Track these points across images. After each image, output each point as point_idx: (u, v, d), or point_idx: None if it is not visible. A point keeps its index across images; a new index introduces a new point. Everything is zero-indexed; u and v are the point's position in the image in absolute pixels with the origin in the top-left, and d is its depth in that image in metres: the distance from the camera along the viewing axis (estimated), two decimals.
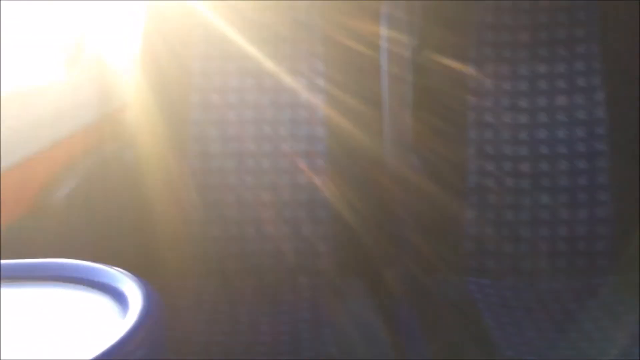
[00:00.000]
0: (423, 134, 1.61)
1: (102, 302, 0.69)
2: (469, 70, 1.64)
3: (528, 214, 1.60)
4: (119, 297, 0.69)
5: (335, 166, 1.63)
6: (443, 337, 1.41)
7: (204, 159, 1.63)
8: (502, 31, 1.65)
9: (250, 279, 1.57)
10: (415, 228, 1.56)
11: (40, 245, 1.22)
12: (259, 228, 1.61)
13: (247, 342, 1.32)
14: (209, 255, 1.57)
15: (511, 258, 1.59)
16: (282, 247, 1.58)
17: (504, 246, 1.59)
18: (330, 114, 1.65)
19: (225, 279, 1.55)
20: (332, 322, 1.39)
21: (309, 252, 1.60)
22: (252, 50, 1.70)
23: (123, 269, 0.73)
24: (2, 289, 0.72)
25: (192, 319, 1.40)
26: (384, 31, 1.61)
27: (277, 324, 1.38)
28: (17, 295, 0.72)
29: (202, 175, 1.62)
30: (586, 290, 1.55)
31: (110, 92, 1.76)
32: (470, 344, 1.37)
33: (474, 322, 1.44)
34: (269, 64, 1.69)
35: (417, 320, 1.47)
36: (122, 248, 1.41)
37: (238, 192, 1.62)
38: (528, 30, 1.65)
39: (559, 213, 1.60)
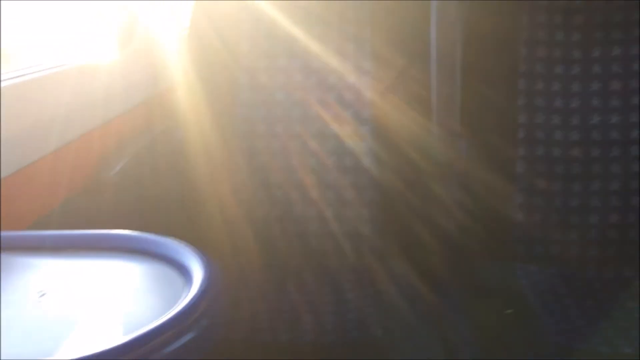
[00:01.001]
0: (472, 118, 1.58)
1: (166, 273, 0.71)
2: (520, 53, 1.60)
3: (578, 201, 1.57)
4: (182, 269, 0.70)
5: (381, 148, 1.62)
6: (488, 322, 1.40)
7: (251, 139, 1.64)
8: (555, 13, 1.61)
9: (295, 245, 1.58)
10: (462, 212, 1.54)
11: (93, 221, 1.24)
12: (305, 209, 1.61)
13: (292, 307, 1.33)
14: (256, 232, 1.58)
15: (560, 245, 1.56)
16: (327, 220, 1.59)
17: (552, 233, 1.57)
18: (376, 96, 1.64)
19: (272, 249, 1.57)
20: (376, 287, 1.39)
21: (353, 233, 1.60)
22: (299, 32, 1.70)
23: None
24: (70, 259, 0.74)
25: (238, 287, 1.41)
26: (433, 13, 1.59)
27: (322, 288, 1.39)
28: (83, 265, 0.74)
29: (248, 155, 1.63)
30: (636, 279, 1.52)
31: (160, 73, 1.79)
32: (517, 330, 1.36)
33: (521, 308, 1.42)
34: (315, 46, 1.69)
35: (461, 306, 1.46)
36: (170, 223, 1.43)
37: (284, 173, 1.63)
38: (582, 13, 1.61)
39: (610, 200, 1.56)
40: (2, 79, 1.08)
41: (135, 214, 1.38)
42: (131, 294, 0.69)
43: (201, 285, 0.65)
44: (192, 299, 0.63)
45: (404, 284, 1.46)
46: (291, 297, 1.39)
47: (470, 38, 1.60)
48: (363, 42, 1.67)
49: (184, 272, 0.70)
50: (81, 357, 0.56)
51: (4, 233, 0.79)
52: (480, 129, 1.58)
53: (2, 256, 0.74)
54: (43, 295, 0.67)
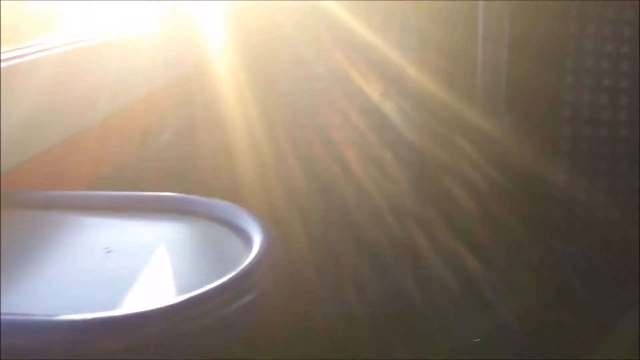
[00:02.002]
0: (516, 95, 1.56)
1: (225, 235, 0.72)
2: (569, 30, 1.57)
3: (623, 182, 1.55)
4: (241, 232, 0.72)
5: (424, 124, 1.61)
6: (529, 302, 1.40)
7: (293, 113, 1.65)
8: None
9: (334, 218, 1.59)
10: (504, 190, 1.53)
11: (141, 188, 1.27)
12: (346, 183, 1.62)
13: (333, 279, 1.34)
14: (297, 205, 1.60)
15: (602, 226, 1.54)
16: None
17: (595, 214, 1.55)
18: (420, 71, 1.63)
19: (312, 222, 1.58)
20: (418, 261, 1.40)
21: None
22: (342, 7, 1.69)
23: None
24: (133, 219, 0.76)
25: None
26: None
27: (362, 261, 1.40)
28: (145, 224, 0.76)
29: (290, 129, 1.64)
30: None
31: (202, 47, 1.80)
32: (558, 310, 1.35)
33: (562, 289, 1.41)
34: (359, 21, 1.68)
35: (501, 286, 1.46)
36: (212, 192, 1.45)
37: (326, 147, 1.63)
38: None
39: None
40: (58, 45, 1.11)
41: (178, 181, 1.40)
42: (191, 254, 0.70)
43: (261, 248, 0.66)
44: (252, 261, 0.64)
45: (446, 258, 1.46)
46: (332, 270, 1.41)
47: (519, 14, 1.57)
48: (407, 16, 1.65)
49: (243, 236, 0.71)
50: (144, 311, 0.57)
51: (70, 192, 0.82)
52: (525, 106, 1.56)
53: (70, 214, 0.76)
54: (109, 252, 0.69)
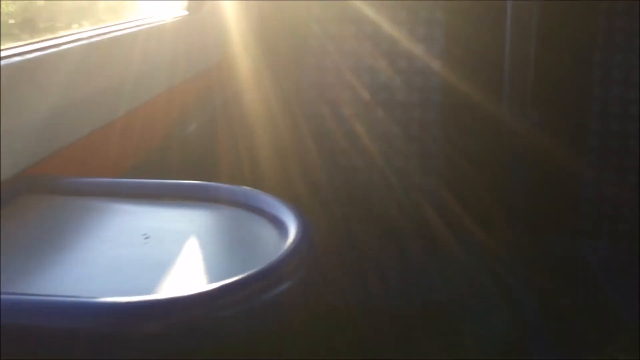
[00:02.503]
0: (544, 91, 1.55)
1: (261, 224, 0.73)
2: (598, 24, 1.56)
3: None
4: (276, 222, 0.72)
5: (449, 117, 1.61)
6: (554, 298, 1.39)
7: (318, 105, 1.65)
8: None
9: (360, 210, 1.59)
10: (530, 185, 1.52)
11: (171, 175, 1.28)
12: (370, 176, 1.62)
13: (358, 271, 1.35)
14: (320, 198, 1.60)
15: (629, 222, 1.53)
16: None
17: (622, 209, 1.53)
18: (446, 64, 1.62)
19: (336, 214, 1.59)
20: (442, 253, 1.40)
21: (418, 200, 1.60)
22: (369, 13, 1.69)
23: None
24: (169, 207, 0.77)
25: None
26: None
27: (386, 252, 1.40)
28: (181, 212, 0.77)
29: (314, 121, 1.64)
30: None
31: (225, 39, 1.81)
32: (583, 306, 1.35)
33: (588, 285, 1.41)
34: (386, 28, 1.67)
35: (525, 281, 1.45)
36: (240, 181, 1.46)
37: (350, 140, 1.63)
38: None
39: None
40: (91, 34, 1.12)
41: (206, 170, 1.42)
42: (227, 242, 0.71)
43: (296, 236, 0.67)
44: (289, 249, 0.65)
45: (471, 251, 1.46)
46: (356, 262, 1.41)
47: (548, 8, 1.56)
48: (433, 9, 1.64)
49: (278, 224, 0.72)
50: (183, 296, 0.58)
51: (108, 180, 0.83)
52: (553, 100, 1.55)
53: (107, 201, 0.78)
54: (147, 238, 0.70)
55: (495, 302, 1.31)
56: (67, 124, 0.99)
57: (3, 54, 0.89)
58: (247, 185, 1.18)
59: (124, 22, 1.35)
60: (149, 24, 1.45)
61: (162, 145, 1.34)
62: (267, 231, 0.72)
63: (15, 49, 0.93)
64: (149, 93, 1.33)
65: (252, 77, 1.78)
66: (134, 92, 1.25)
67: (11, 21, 1.38)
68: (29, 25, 1.42)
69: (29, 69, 0.91)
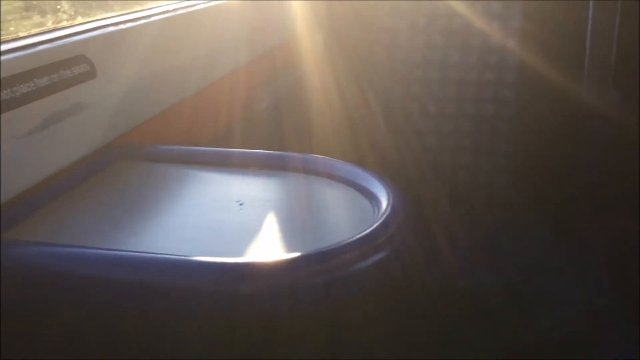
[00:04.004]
0: (627, 70, 1.49)
1: (353, 196, 0.73)
2: None
3: None
4: (368, 193, 0.72)
5: (526, 96, 1.57)
6: (629, 281, 1.35)
7: (389, 82, 1.64)
8: None
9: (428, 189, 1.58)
10: (608, 166, 1.47)
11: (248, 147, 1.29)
12: (440, 155, 1.60)
13: (429, 251, 1.33)
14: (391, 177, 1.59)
15: None
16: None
17: None
18: (523, 42, 1.58)
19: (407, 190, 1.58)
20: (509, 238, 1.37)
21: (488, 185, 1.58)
22: None
23: None
24: (262, 175, 0.78)
25: None
26: None
27: (457, 235, 1.39)
28: (273, 181, 0.78)
29: (386, 98, 1.63)
30: None
31: (296, 17, 1.81)
32: None
33: None
34: (460, 5, 1.63)
35: (599, 262, 1.41)
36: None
37: (421, 119, 1.62)
38: None
39: None
40: (177, 7, 1.14)
41: (277, 145, 1.43)
42: (322, 210, 0.71)
43: (392, 208, 0.67)
44: (384, 219, 0.65)
45: (544, 232, 1.43)
46: (428, 243, 1.40)
47: None
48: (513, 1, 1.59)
49: (370, 196, 0.72)
50: (279, 260, 0.59)
51: (198, 148, 0.85)
52: (636, 81, 1.49)
53: (198, 169, 0.80)
54: (242, 204, 0.71)
55: (570, 283, 1.28)
56: (152, 97, 1.01)
57: (97, 24, 0.91)
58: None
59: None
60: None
61: (237, 120, 1.36)
62: (359, 202, 0.72)
63: (107, 20, 0.95)
64: (228, 67, 1.35)
65: (322, 55, 1.78)
66: (213, 66, 1.27)
67: None
68: None
69: (119, 41, 0.93)
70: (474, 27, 1.61)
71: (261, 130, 1.33)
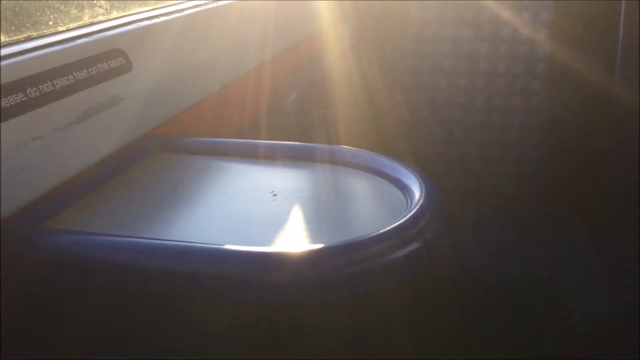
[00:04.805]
0: None
1: (385, 188, 0.74)
2: None
3: None
4: (400, 185, 0.73)
5: (555, 89, 1.55)
6: None
7: (418, 74, 1.63)
8: None
9: (456, 183, 1.57)
10: (637, 158, 1.45)
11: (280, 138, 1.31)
12: (468, 147, 1.60)
13: (456, 244, 1.33)
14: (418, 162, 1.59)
15: None
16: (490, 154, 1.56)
17: None
18: (554, 33, 1.56)
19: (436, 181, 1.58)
20: (540, 231, 1.36)
21: (517, 175, 1.57)
22: None
23: None
24: (294, 167, 0.79)
25: None
26: None
27: (484, 228, 1.38)
28: (306, 172, 0.79)
29: (414, 89, 1.63)
30: None
31: (324, 11, 1.81)
32: None
33: None
34: None
35: (630, 256, 1.39)
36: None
37: (449, 110, 1.61)
38: None
39: None
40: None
41: (311, 135, 1.44)
42: (352, 202, 0.72)
43: (425, 199, 0.67)
44: (416, 211, 0.65)
45: (574, 226, 1.42)
46: (455, 236, 1.40)
47: None
48: None
49: (402, 187, 0.72)
50: (307, 250, 0.60)
51: (231, 140, 0.86)
52: None
53: (229, 160, 0.81)
54: (275, 195, 0.72)
55: (600, 277, 1.26)
56: (184, 90, 1.03)
57: (132, 18, 0.93)
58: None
59: None
60: None
61: (264, 113, 1.37)
62: (391, 193, 0.73)
63: (141, 14, 0.97)
64: (256, 60, 1.36)
65: (348, 48, 1.78)
66: (242, 59, 1.28)
67: None
68: None
69: (153, 35, 0.94)
70: (503, 18, 1.60)
71: (287, 122, 1.34)
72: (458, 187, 1.59)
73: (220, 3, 1.23)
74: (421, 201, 0.68)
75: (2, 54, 0.70)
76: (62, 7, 0.86)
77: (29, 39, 0.77)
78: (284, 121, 1.38)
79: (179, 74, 1.00)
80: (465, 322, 1.13)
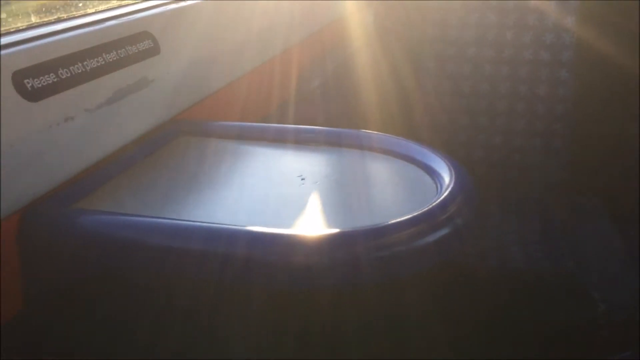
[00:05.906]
0: None
1: (416, 173, 0.73)
2: None
3: None
4: (431, 171, 0.72)
5: (582, 77, 1.53)
6: None
7: (441, 61, 1.62)
8: None
9: (479, 172, 1.56)
10: None
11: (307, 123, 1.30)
12: (491, 136, 1.58)
13: (478, 235, 1.32)
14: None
15: None
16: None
17: None
18: (580, 37, 1.53)
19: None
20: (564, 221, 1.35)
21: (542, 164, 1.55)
22: None
23: None
24: (318, 152, 0.79)
25: None
26: None
27: (507, 218, 1.37)
28: (335, 157, 0.78)
29: (438, 77, 1.61)
30: None
31: None
32: None
33: None
34: None
35: None
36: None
37: (473, 98, 1.59)
38: None
39: None
40: None
41: (337, 120, 1.43)
42: (381, 186, 0.72)
43: (453, 185, 0.66)
44: (446, 197, 0.65)
45: (594, 220, 1.40)
46: (481, 226, 1.39)
47: None
48: None
49: (432, 173, 0.71)
50: (336, 233, 0.60)
51: (253, 124, 0.86)
52: None
53: (255, 144, 0.81)
54: (303, 179, 0.72)
55: (625, 268, 1.25)
56: (211, 74, 1.03)
57: (159, 1, 0.93)
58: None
59: None
60: None
61: (290, 97, 1.37)
62: (420, 178, 0.72)
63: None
64: (281, 46, 1.35)
65: (373, 34, 1.77)
66: (267, 44, 1.27)
67: None
68: None
69: (180, 18, 0.94)
70: (529, 4, 1.57)
71: (313, 107, 1.33)
72: (481, 177, 1.58)
73: None
74: (451, 186, 0.67)
75: (33, 35, 0.70)
76: None
77: (59, 20, 0.78)
78: (310, 106, 1.38)
79: (207, 58, 1.00)
80: (491, 308, 1.13)
